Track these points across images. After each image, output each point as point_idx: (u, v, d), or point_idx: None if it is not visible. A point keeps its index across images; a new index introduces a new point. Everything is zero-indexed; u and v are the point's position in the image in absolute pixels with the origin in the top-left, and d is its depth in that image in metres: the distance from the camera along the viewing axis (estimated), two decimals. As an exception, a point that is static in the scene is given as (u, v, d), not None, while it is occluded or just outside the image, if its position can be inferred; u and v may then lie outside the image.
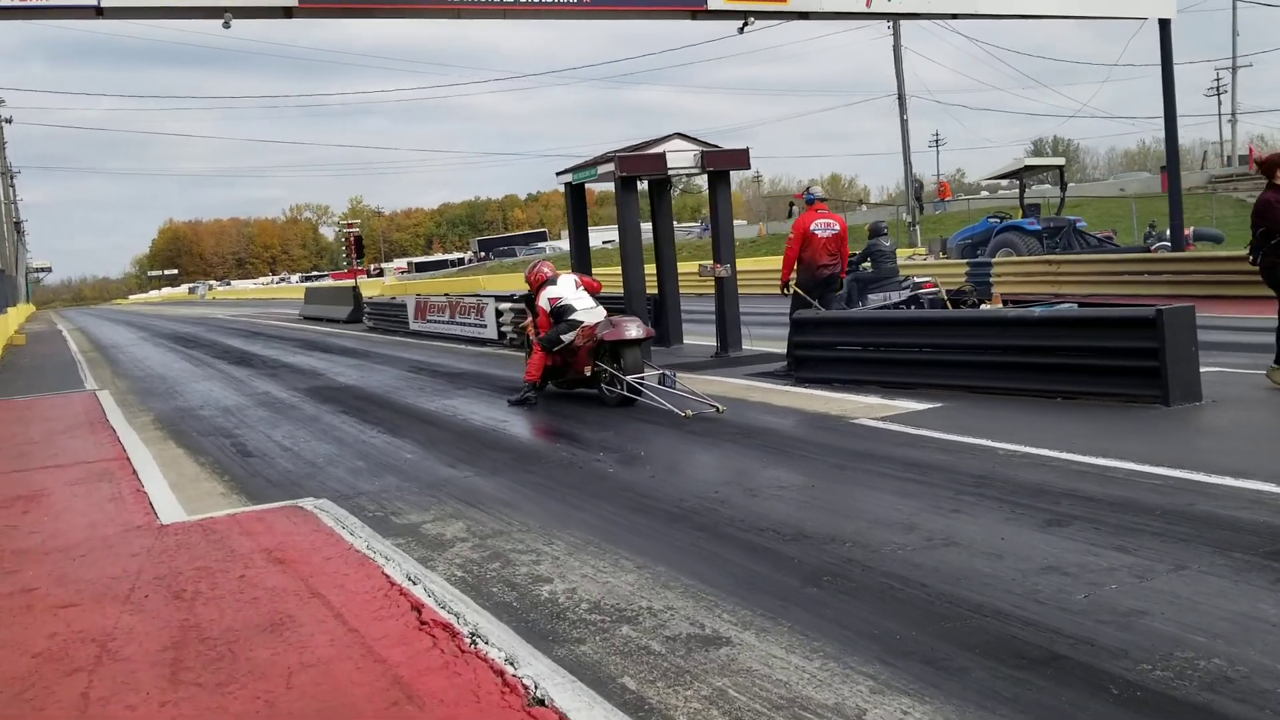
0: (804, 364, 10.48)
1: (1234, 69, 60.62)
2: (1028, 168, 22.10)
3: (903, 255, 30.03)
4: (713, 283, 13.88)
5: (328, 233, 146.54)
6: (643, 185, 14.08)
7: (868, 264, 18.47)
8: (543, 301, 10.44)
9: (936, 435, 7.49)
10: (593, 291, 10.76)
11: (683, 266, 15.68)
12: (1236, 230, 24.75)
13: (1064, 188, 22.90)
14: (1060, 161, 22.10)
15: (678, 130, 13.51)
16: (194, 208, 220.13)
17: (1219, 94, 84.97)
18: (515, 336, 13.17)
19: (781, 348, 11.78)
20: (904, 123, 37.80)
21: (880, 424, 8.17)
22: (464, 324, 19.37)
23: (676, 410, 9.15)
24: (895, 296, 17.99)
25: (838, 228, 11.11)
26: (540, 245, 75.44)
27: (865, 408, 8.81)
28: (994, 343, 8.97)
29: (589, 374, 10.09)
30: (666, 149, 13.39)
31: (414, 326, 22.13)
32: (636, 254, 13.61)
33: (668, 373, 9.77)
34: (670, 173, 13.45)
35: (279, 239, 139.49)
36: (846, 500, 6.18)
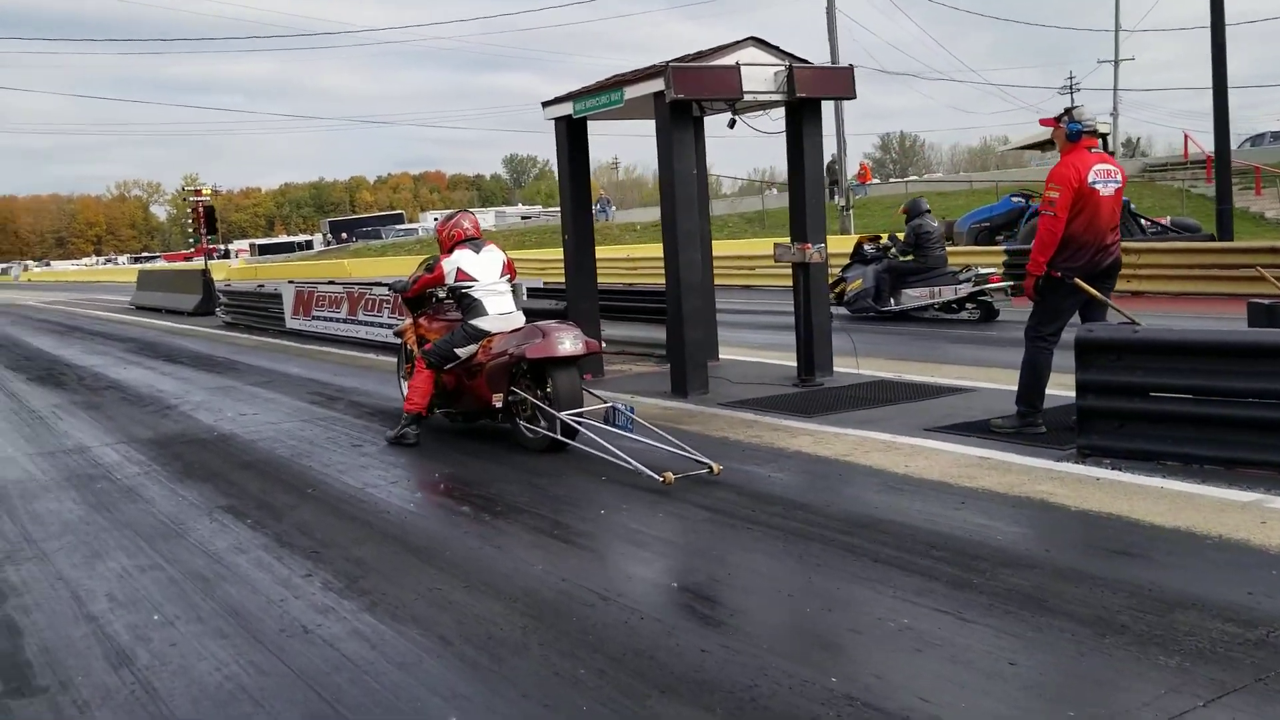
0: (1104, 422, 5.78)
1: (1116, 61, 59.40)
2: (1069, 134, 18.12)
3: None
4: (752, 272, 9.11)
5: (159, 212, 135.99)
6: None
7: (895, 250, 14.16)
8: (448, 267, 7.21)
9: None
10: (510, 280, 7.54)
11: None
12: (1206, 221, 21.82)
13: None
14: (1106, 127, 18.13)
15: (752, 35, 8.67)
16: (9, 184, 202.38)
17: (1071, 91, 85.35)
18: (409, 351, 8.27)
19: (892, 370, 8.70)
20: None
21: None
22: (373, 324, 14.07)
23: (647, 471, 5.76)
24: (947, 292, 13.66)
25: (1120, 179, 6.46)
26: (401, 228, 69.05)
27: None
28: None
29: (497, 405, 6.96)
30: (739, 59, 8.54)
31: (292, 324, 16.63)
32: (692, 225, 8.72)
33: (620, 405, 6.49)
34: (746, 96, 8.60)
35: (105, 217, 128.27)
36: None
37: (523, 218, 72.37)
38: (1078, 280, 6.18)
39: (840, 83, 9.05)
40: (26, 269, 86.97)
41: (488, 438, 7.46)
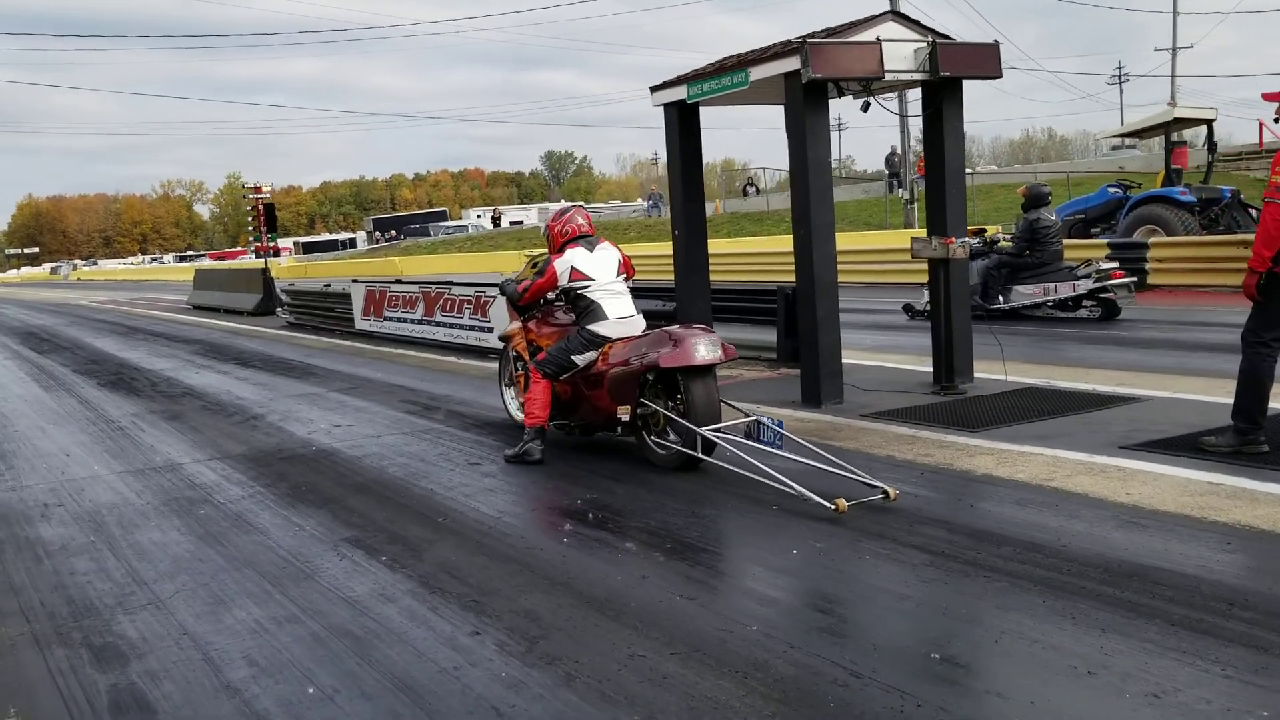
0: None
1: (1174, 49, 57.71)
2: (1176, 120, 17.13)
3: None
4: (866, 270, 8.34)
5: (202, 210, 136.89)
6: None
7: (1007, 244, 13.32)
8: (560, 268, 6.60)
9: None
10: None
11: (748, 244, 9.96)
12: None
13: (1213, 149, 17.96)
14: (1212, 113, 17.16)
15: (891, 9, 7.90)
16: (58, 184, 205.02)
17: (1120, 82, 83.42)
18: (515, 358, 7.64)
19: (1035, 375, 8.13)
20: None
21: None
22: (452, 325, 13.41)
23: (815, 497, 5.08)
24: (1064, 289, 12.79)
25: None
26: (450, 225, 68.57)
27: None
28: None
29: (624, 418, 6.27)
30: (879, 34, 7.76)
31: (362, 325, 16.03)
32: (828, 217, 7.96)
33: (765, 420, 5.83)
34: (887, 75, 7.82)
35: (150, 216, 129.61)
36: None
37: (567, 214, 71.46)
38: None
39: (987, 61, 8.24)
40: (75, 268, 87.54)
41: (613, 453, 6.75)
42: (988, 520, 4.85)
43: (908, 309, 13.79)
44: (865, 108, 8.30)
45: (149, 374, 12.67)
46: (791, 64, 7.62)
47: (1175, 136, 21.31)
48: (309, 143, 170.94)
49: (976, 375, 8.49)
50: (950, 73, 7.99)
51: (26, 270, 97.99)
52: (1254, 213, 16.94)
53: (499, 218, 57.23)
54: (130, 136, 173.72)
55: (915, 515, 4.96)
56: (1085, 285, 12.36)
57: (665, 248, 34.04)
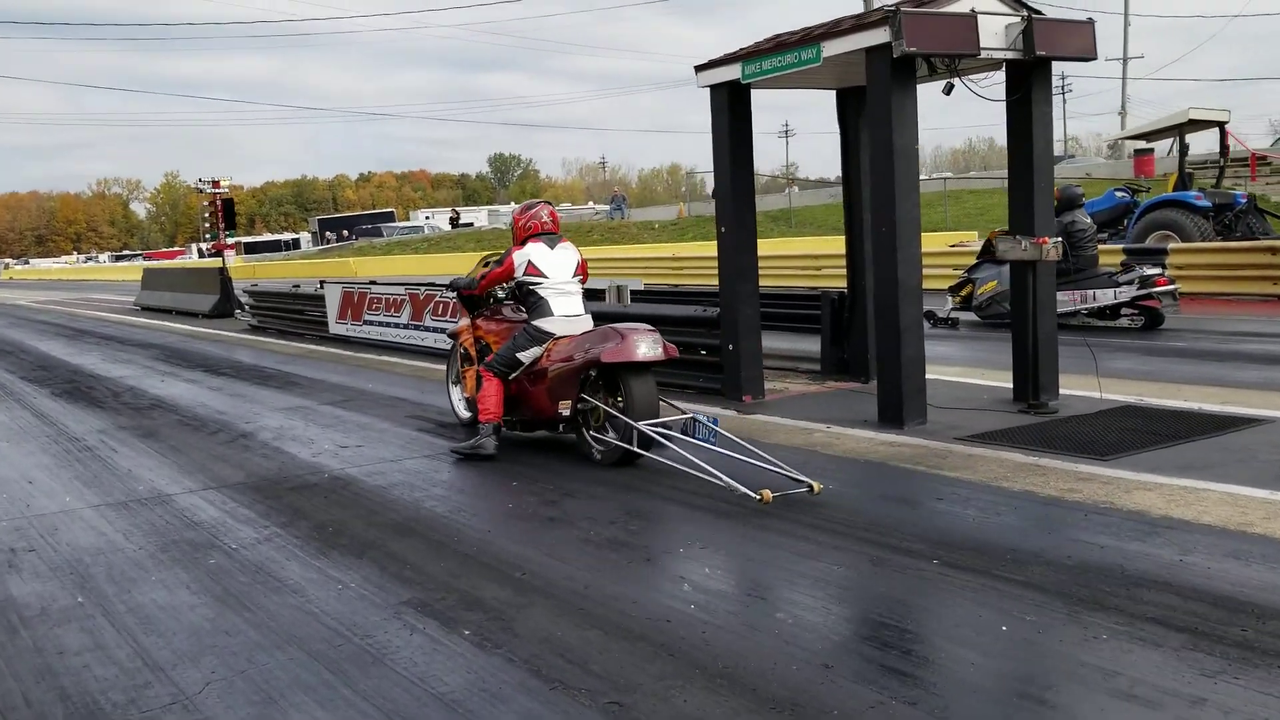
0: None
1: (1124, 59, 58.05)
2: (1191, 121, 16.49)
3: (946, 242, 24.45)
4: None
5: (139, 209, 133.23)
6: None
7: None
8: (518, 260, 6.73)
9: None
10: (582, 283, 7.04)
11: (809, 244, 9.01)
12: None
13: (1225, 153, 17.38)
14: (1225, 116, 16.56)
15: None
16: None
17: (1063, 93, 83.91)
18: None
19: (1125, 392, 7.49)
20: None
21: None
22: (443, 330, 12.28)
23: (741, 488, 5.19)
24: (1104, 296, 12.00)
25: None
26: (405, 225, 66.91)
27: None
28: None
29: (564, 413, 6.46)
30: (974, 4, 6.86)
31: (337, 329, 14.84)
32: (915, 213, 7.03)
33: (701, 417, 5.99)
34: (982, 52, 6.92)
35: (84, 215, 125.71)
36: None
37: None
38: None
39: (1082, 40, 7.39)
40: (8, 266, 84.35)
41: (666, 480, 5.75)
42: (1220, 582, 3.92)
43: (929, 316, 12.93)
44: (948, 90, 7.41)
45: (107, 382, 11.41)
46: (876, 37, 6.71)
47: (1142, 144, 20.72)
48: (250, 141, 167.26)
49: (1065, 392, 7.62)
50: (1046, 52, 7.13)
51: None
52: (1270, 219, 16.41)
53: (457, 218, 55.72)
54: (66, 133, 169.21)
55: (1137, 578, 4.02)
56: (1128, 292, 11.60)
57: (633, 250, 33.06)
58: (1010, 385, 7.82)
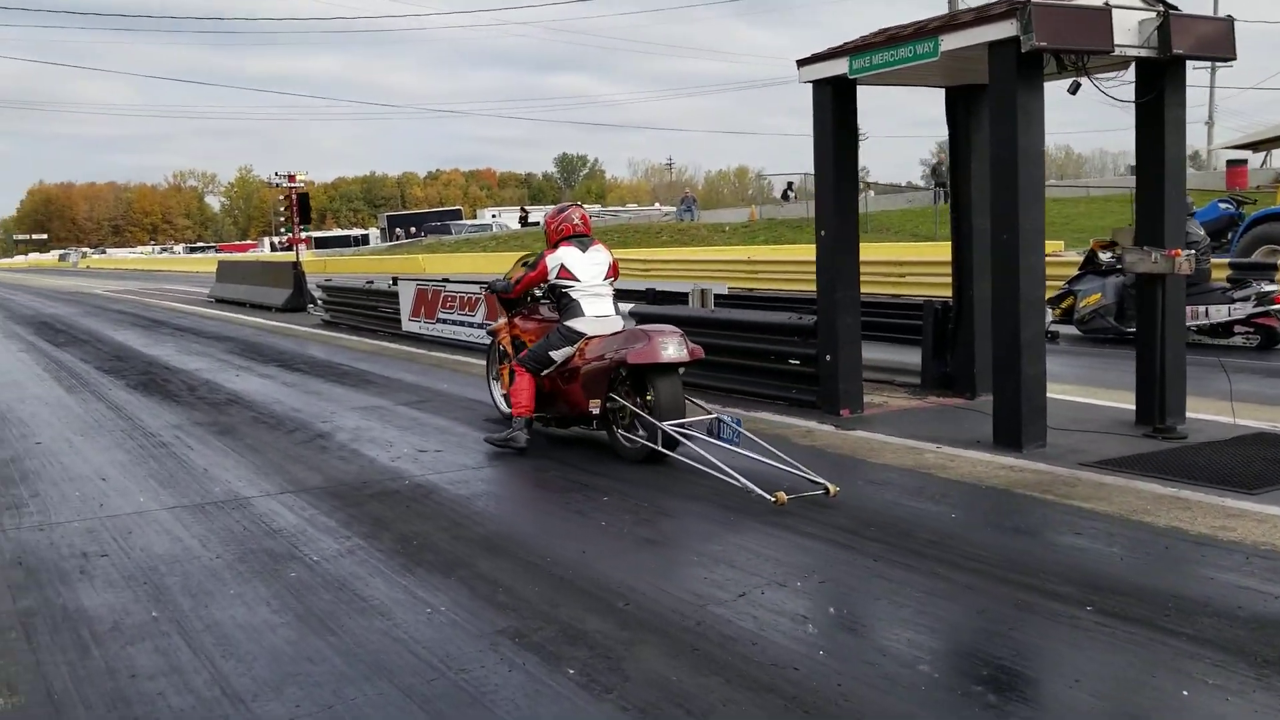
0: None
1: (1213, 67, 56.32)
2: (1304, 132, 15.73)
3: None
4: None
5: (213, 202, 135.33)
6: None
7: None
8: (551, 263, 6.95)
9: None
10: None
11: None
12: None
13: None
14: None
15: (1115, -30, 6.53)
16: (69, 171, 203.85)
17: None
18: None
19: (1258, 418, 6.97)
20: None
21: None
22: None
23: (757, 490, 5.21)
24: (1217, 312, 11.35)
25: None
26: (473, 223, 67.10)
27: None
28: None
29: (594, 411, 6.61)
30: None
31: (410, 326, 14.64)
32: (1040, 220, 6.56)
33: (725, 418, 6.03)
34: (1115, 49, 6.43)
35: (160, 206, 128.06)
36: None
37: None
38: None
39: (1222, 39, 6.86)
40: (85, 255, 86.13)
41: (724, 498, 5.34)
42: None
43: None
44: (1074, 89, 6.89)
45: (183, 375, 11.27)
46: (1001, 30, 6.26)
47: (1235, 155, 19.79)
48: (321, 137, 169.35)
49: (1192, 416, 7.09)
50: (1183, 50, 6.62)
51: (35, 256, 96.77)
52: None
53: (526, 217, 55.67)
54: (143, 126, 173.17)
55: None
56: (1243, 309, 10.94)
57: (703, 252, 32.59)
58: (1127, 406, 7.35)
